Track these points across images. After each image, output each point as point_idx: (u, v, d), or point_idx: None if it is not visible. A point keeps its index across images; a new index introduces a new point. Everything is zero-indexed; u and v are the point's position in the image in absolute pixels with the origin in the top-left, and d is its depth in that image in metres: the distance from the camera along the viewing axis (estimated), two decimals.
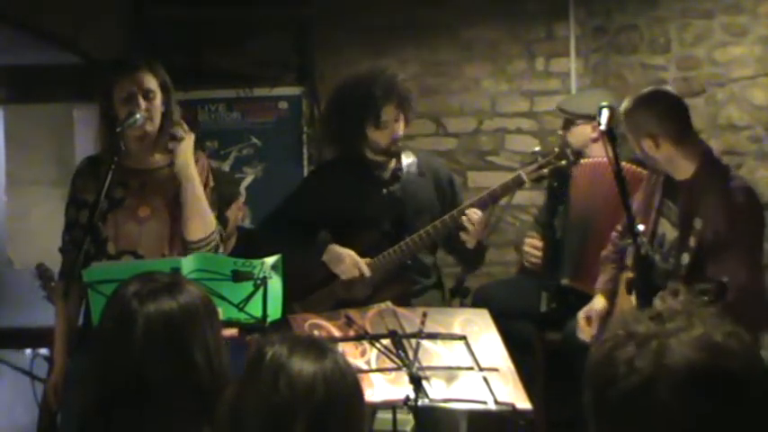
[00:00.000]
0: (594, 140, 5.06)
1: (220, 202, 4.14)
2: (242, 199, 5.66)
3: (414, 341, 3.69)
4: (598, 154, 4.70)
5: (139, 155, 4.01)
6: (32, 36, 5.87)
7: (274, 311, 3.70)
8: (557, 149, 4.60)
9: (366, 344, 3.78)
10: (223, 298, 3.54)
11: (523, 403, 3.73)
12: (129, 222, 3.96)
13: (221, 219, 4.21)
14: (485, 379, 3.69)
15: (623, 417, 1.59)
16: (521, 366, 3.83)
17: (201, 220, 3.94)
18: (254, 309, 3.64)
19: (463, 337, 3.72)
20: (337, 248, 4.67)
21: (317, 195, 4.78)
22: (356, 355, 3.75)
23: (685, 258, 3.90)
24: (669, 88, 4.76)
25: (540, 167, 4.52)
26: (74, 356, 3.93)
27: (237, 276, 3.62)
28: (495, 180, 4.72)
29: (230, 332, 3.79)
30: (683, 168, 4.23)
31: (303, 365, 2.03)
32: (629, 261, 4.27)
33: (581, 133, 5.22)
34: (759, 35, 5.87)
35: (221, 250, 4.10)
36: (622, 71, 6.17)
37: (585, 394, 1.65)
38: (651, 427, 1.57)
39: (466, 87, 6.45)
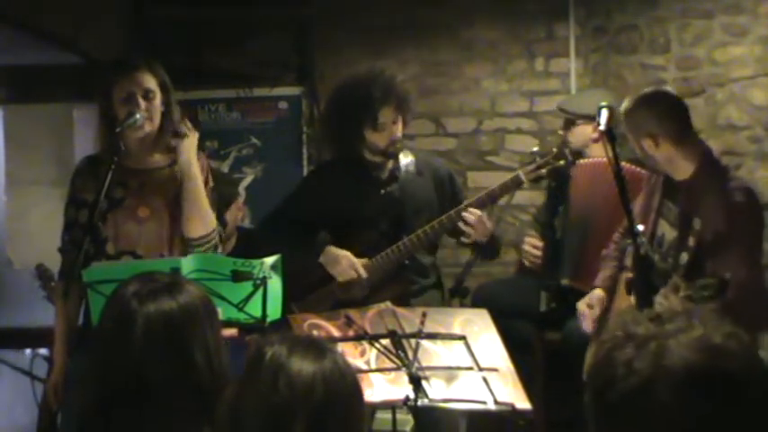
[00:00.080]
0: (595, 140, 5.07)
1: (219, 202, 4.13)
2: (241, 199, 5.66)
3: (413, 341, 3.69)
4: (598, 154, 4.70)
5: (139, 155, 4.01)
6: (32, 36, 5.86)
7: (274, 311, 3.71)
8: (555, 149, 4.60)
9: (365, 344, 3.78)
10: (223, 298, 3.54)
11: (523, 403, 3.73)
12: (128, 222, 3.96)
13: (220, 219, 4.21)
14: (484, 379, 3.69)
15: (622, 418, 1.59)
16: (520, 366, 3.83)
17: (202, 218, 3.95)
18: (254, 309, 3.64)
19: (463, 337, 3.72)
20: (334, 250, 4.67)
21: (316, 196, 4.78)
22: (356, 355, 3.75)
23: (684, 258, 3.90)
24: (669, 88, 4.76)
25: (539, 167, 4.52)
26: (73, 356, 3.93)
27: (237, 276, 3.62)
28: (494, 180, 4.72)
29: (230, 332, 3.79)
30: (683, 168, 4.23)
31: (302, 365, 2.03)
32: (628, 261, 4.27)
33: (581, 133, 5.23)
34: (759, 35, 5.87)
35: (220, 250, 4.10)
36: (622, 71, 6.17)
37: (585, 395, 1.65)
38: (650, 428, 1.57)
39: (466, 87, 6.46)
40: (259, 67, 6.51)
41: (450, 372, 3.74)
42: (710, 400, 1.55)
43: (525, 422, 4.49)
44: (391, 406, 3.95)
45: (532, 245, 5.13)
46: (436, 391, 3.70)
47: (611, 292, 4.50)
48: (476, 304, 5.01)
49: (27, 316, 5.65)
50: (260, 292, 3.63)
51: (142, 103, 3.90)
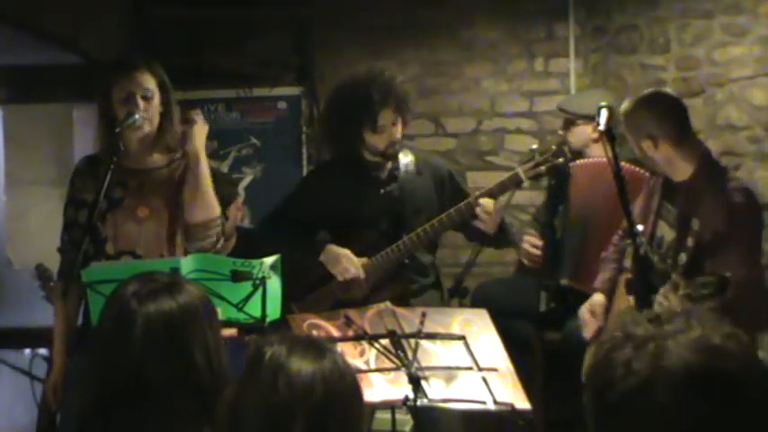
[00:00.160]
0: (595, 141, 5.07)
1: (219, 202, 4.13)
2: (240, 199, 5.66)
3: (413, 341, 3.69)
4: (599, 154, 4.70)
5: (138, 155, 4.02)
6: (32, 36, 5.87)
7: (273, 311, 3.71)
8: (554, 147, 4.59)
9: (365, 344, 3.78)
10: (222, 298, 3.54)
11: (522, 403, 3.73)
12: (128, 222, 3.97)
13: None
14: (484, 379, 3.69)
15: (621, 418, 1.59)
16: (520, 366, 3.82)
17: (207, 203, 3.95)
18: (253, 309, 3.64)
19: (462, 337, 3.72)
20: (334, 248, 4.67)
21: (316, 196, 4.78)
22: (355, 355, 3.75)
23: (683, 258, 3.90)
24: (669, 90, 4.76)
25: (538, 165, 4.51)
26: (73, 356, 3.93)
27: (236, 276, 3.62)
28: (494, 180, 4.71)
29: (229, 332, 3.80)
30: (682, 170, 4.23)
31: (302, 365, 2.03)
32: (627, 262, 4.27)
33: (581, 133, 5.23)
34: (758, 35, 5.87)
35: (222, 243, 4.10)
36: (622, 71, 6.17)
37: (584, 396, 1.65)
38: (649, 429, 1.57)
39: (465, 87, 6.46)
40: (259, 67, 6.51)
41: (449, 372, 3.73)
42: (709, 400, 1.55)
43: (525, 422, 4.48)
44: (391, 406, 3.95)
45: (532, 244, 5.13)
46: (435, 391, 3.70)
47: (610, 294, 4.50)
48: (475, 304, 5.01)
49: (26, 316, 5.65)
50: (259, 292, 3.63)
51: (141, 104, 3.91)
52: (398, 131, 4.65)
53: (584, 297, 4.66)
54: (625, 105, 4.30)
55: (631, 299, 4.05)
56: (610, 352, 1.62)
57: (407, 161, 4.77)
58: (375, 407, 4.07)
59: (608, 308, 4.48)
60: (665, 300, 3.80)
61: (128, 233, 3.96)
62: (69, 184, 4.09)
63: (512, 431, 4.56)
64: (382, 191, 4.73)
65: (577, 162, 5.03)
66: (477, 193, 4.56)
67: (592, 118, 4.38)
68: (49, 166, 6.70)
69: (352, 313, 3.82)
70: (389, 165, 4.75)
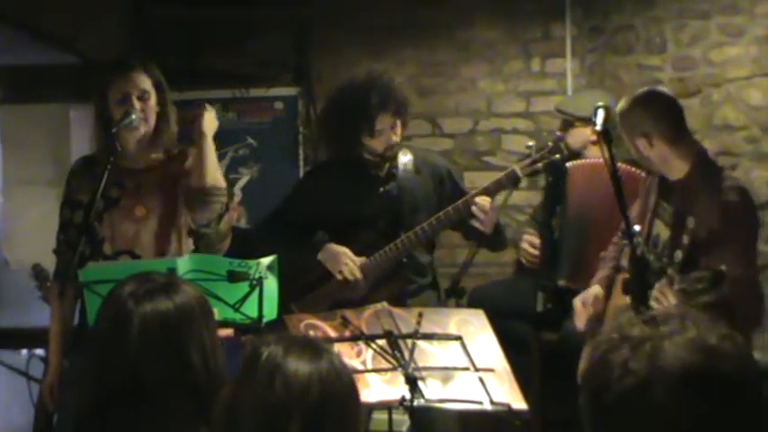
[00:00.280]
0: (594, 143, 5.06)
1: None
2: (237, 200, 5.66)
3: (409, 341, 3.69)
4: (597, 155, 4.69)
5: (135, 155, 4.02)
6: (32, 36, 5.87)
7: (270, 312, 3.71)
8: (550, 143, 4.59)
9: (362, 344, 3.77)
10: (219, 298, 3.55)
11: (519, 403, 3.73)
12: (125, 222, 3.97)
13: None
14: (480, 379, 3.69)
15: (618, 419, 1.59)
16: (517, 367, 3.82)
17: (211, 170, 3.98)
18: (250, 309, 3.64)
19: (459, 338, 3.71)
20: (333, 247, 4.67)
21: (314, 196, 4.78)
22: (352, 356, 3.75)
23: (678, 255, 3.90)
24: (664, 89, 4.76)
25: (534, 162, 4.51)
26: (70, 357, 3.93)
27: (233, 277, 3.62)
28: (491, 180, 4.71)
29: (226, 332, 3.79)
30: (677, 168, 4.23)
31: (299, 366, 2.03)
32: (624, 262, 4.27)
33: (579, 135, 5.22)
34: (755, 35, 5.88)
35: (227, 216, 4.10)
36: (618, 71, 6.17)
37: (580, 397, 1.65)
38: (647, 429, 1.57)
39: (462, 88, 6.46)
40: (258, 67, 6.51)
41: (446, 372, 3.73)
42: (707, 400, 1.55)
43: (521, 422, 4.48)
44: (387, 406, 3.95)
45: (530, 242, 5.14)
46: (432, 391, 3.70)
47: (607, 291, 4.50)
48: (472, 304, 5.01)
49: (23, 316, 5.64)
50: (256, 292, 3.63)
51: (137, 104, 3.91)
52: (397, 135, 4.65)
53: None
54: (621, 104, 4.30)
55: (628, 298, 4.05)
56: (606, 353, 1.62)
57: (406, 160, 4.77)
58: (372, 407, 4.06)
59: (604, 305, 4.47)
60: (661, 295, 3.80)
61: (125, 233, 3.97)
62: (65, 184, 4.10)
63: None
64: (381, 190, 4.73)
65: (575, 162, 5.03)
66: (475, 191, 4.56)
67: (590, 120, 4.38)
68: (46, 166, 6.69)
69: (348, 313, 3.82)
70: (388, 163, 4.74)
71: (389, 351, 3.68)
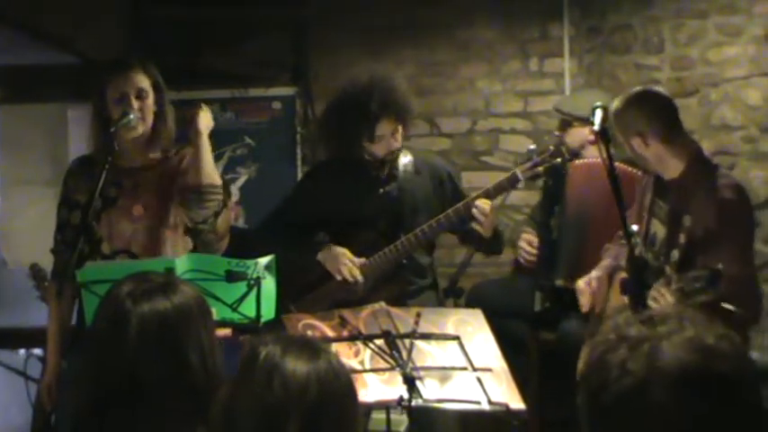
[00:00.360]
0: (592, 142, 5.05)
1: None
2: (234, 199, 5.65)
3: (407, 341, 3.69)
4: (596, 155, 4.69)
5: (132, 154, 4.02)
6: (31, 36, 5.87)
7: (268, 312, 3.71)
8: (552, 147, 4.60)
9: (360, 344, 3.77)
10: (217, 298, 3.54)
11: (517, 403, 3.73)
12: (122, 222, 3.97)
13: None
14: (478, 379, 3.69)
15: (616, 419, 1.59)
16: (514, 366, 3.83)
17: (207, 168, 3.97)
18: (248, 309, 3.64)
19: (457, 338, 3.72)
20: (333, 248, 4.67)
21: (314, 196, 4.78)
22: (350, 356, 3.75)
23: (675, 254, 3.90)
24: (658, 88, 4.76)
25: (536, 165, 4.51)
26: (68, 357, 3.93)
27: (231, 277, 3.62)
28: (489, 180, 4.71)
29: (224, 332, 3.79)
30: (673, 167, 4.24)
31: (297, 365, 2.03)
32: (622, 261, 4.27)
33: (578, 135, 5.22)
34: (753, 35, 5.88)
35: (223, 213, 4.10)
36: (616, 71, 6.17)
37: (579, 398, 1.65)
38: (645, 429, 1.57)
39: (460, 87, 6.46)
40: (256, 67, 6.51)
41: (444, 372, 3.73)
42: (705, 399, 1.55)
43: (519, 422, 4.49)
44: (385, 406, 3.95)
45: (528, 242, 5.14)
46: (430, 391, 3.70)
47: (608, 279, 4.50)
48: (470, 304, 5.01)
49: (21, 316, 5.64)
50: (254, 292, 3.63)
51: (135, 103, 3.92)
52: (398, 141, 4.65)
53: None
54: (615, 103, 4.30)
55: (626, 298, 4.05)
56: (604, 353, 1.62)
57: (406, 161, 4.77)
58: (371, 407, 4.07)
59: (606, 294, 4.47)
60: (659, 295, 3.80)
61: (123, 232, 3.97)
62: (62, 184, 4.10)
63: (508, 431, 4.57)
64: (381, 191, 4.73)
65: (573, 162, 5.02)
66: (475, 194, 4.56)
67: (588, 120, 4.39)
68: (44, 165, 6.69)
69: (346, 313, 3.82)
70: (388, 165, 4.73)
71: (387, 351, 3.68)
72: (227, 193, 5.34)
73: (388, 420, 4.06)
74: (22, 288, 5.22)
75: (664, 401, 1.55)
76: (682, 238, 3.92)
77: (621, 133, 4.29)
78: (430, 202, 4.73)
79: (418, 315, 3.74)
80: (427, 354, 3.75)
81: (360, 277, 4.63)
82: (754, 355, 4.88)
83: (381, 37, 6.45)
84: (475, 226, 4.52)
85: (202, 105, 4.05)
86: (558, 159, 4.52)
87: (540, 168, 4.52)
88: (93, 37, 6.14)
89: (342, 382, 2.07)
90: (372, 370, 3.76)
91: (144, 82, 3.96)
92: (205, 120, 4.01)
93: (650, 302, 3.73)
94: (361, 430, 2.14)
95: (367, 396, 3.69)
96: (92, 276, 3.56)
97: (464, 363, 3.70)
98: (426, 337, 3.73)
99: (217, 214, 4.04)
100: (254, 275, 3.63)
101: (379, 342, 3.69)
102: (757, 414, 1.58)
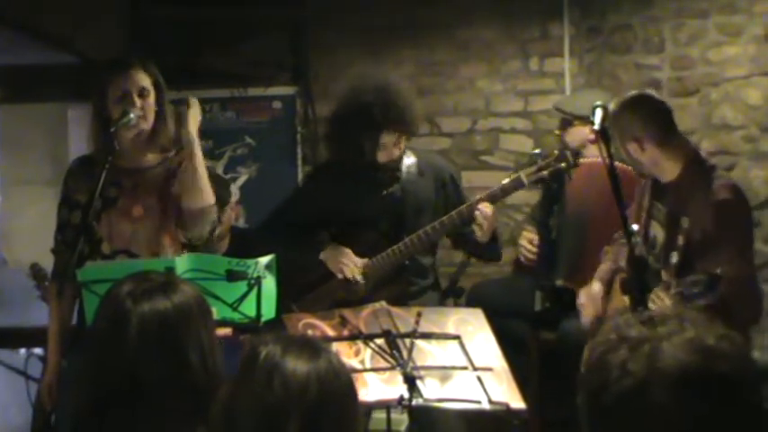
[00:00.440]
0: (592, 141, 5.06)
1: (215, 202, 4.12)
2: (235, 199, 5.65)
3: (408, 341, 3.69)
4: (595, 154, 4.70)
5: (132, 154, 4.01)
6: (31, 36, 5.87)
7: (268, 311, 3.70)
8: (556, 152, 4.60)
9: (360, 343, 3.77)
10: (217, 297, 3.54)
11: (517, 403, 3.73)
12: (122, 222, 3.97)
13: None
14: (479, 378, 3.69)
15: (617, 420, 1.59)
16: (515, 366, 3.83)
17: (203, 190, 3.95)
18: (248, 308, 3.64)
19: (457, 337, 3.72)
20: (335, 247, 4.67)
21: (317, 196, 4.77)
22: (350, 355, 3.75)
23: (674, 257, 3.91)
24: (652, 92, 4.76)
25: (540, 170, 4.52)
26: (68, 356, 3.93)
27: (231, 276, 3.62)
28: (489, 180, 4.72)
29: (224, 332, 3.79)
30: (669, 170, 4.25)
31: (297, 365, 2.03)
32: (622, 261, 4.28)
33: (578, 134, 5.22)
34: (753, 35, 5.88)
35: (218, 230, 4.09)
36: (617, 71, 6.17)
37: (579, 398, 1.65)
38: (646, 430, 1.57)
39: (460, 87, 6.45)
40: (255, 67, 6.51)
41: (444, 371, 3.73)
42: (706, 400, 1.55)
43: (520, 422, 4.49)
44: (386, 406, 3.95)
45: (529, 240, 5.14)
46: (431, 390, 3.70)
47: (609, 285, 4.50)
48: (470, 303, 5.02)
49: (21, 315, 5.64)
50: (254, 291, 3.63)
51: (137, 102, 3.91)
52: (400, 149, 4.65)
53: None
54: (611, 108, 4.30)
55: (627, 299, 4.05)
56: (604, 354, 1.62)
57: (410, 162, 4.76)
58: (371, 407, 4.07)
59: (605, 301, 4.47)
60: (658, 299, 3.81)
61: (122, 233, 3.96)
62: (63, 184, 4.10)
63: (508, 431, 4.57)
64: (384, 192, 4.72)
65: (577, 164, 5.02)
66: (479, 196, 4.56)
67: (588, 119, 4.39)
68: (44, 165, 6.69)
69: (347, 313, 3.82)
70: (392, 166, 4.72)
71: (388, 350, 3.68)
72: (228, 193, 5.36)
73: (389, 420, 4.06)
74: (22, 288, 5.23)
75: (664, 402, 1.55)
76: (680, 241, 3.92)
77: (617, 139, 4.29)
78: (433, 203, 4.73)
79: (419, 314, 3.74)
80: (428, 353, 3.75)
81: (360, 278, 4.63)
82: (755, 354, 4.87)
83: (381, 37, 6.45)
84: (475, 229, 4.52)
85: (190, 101, 4.01)
86: (563, 164, 4.52)
87: (545, 173, 4.52)
88: (92, 37, 6.14)
89: (342, 382, 2.07)
90: (373, 369, 3.76)
91: (145, 81, 3.96)
92: (194, 117, 3.99)
93: (650, 306, 3.74)
94: (361, 430, 2.13)
95: (367, 395, 3.69)
96: (92, 276, 3.56)
97: (464, 362, 3.70)
98: (427, 336, 3.73)
99: (212, 231, 4.03)
100: (255, 275, 3.63)
101: (380, 341, 3.69)
102: (758, 414, 1.57)
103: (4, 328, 5.73)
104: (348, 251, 4.65)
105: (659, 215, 4.31)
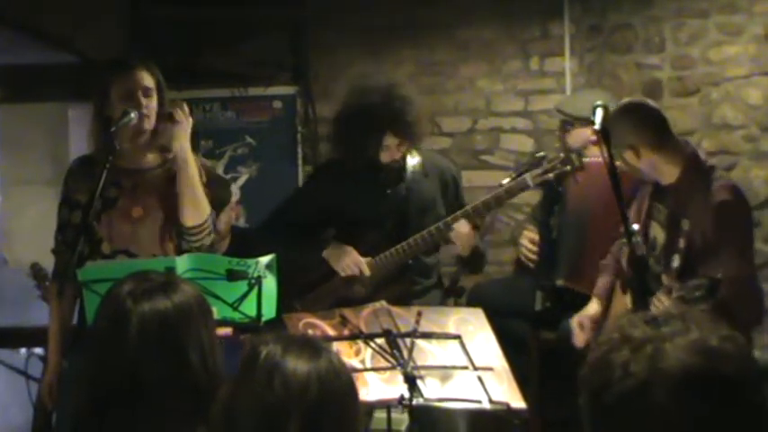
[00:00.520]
0: (594, 143, 5.05)
1: (215, 203, 4.12)
2: (235, 199, 5.65)
3: (408, 340, 3.69)
4: (597, 155, 4.69)
5: (132, 155, 4.01)
6: (31, 36, 5.87)
7: (268, 311, 3.70)
8: (562, 154, 4.60)
9: (361, 343, 3.78)
10: (217, 297, 3.54)
11: (518, 402, 3.73)
12: (122, 223, 3.96)
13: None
14: (479, 378, 3.69)
15: (618, 420, 1.59)
16: (515, 365, 3.83)
17: (197, 205, 3.95)
18: (249, 308, 3.64)
19: (458, 337, 3.72)
20: (338, 245, 4.67)
21: (319, 196, 4.77)
22: (351, 355, 3.75)
23: (676, 260, 3.91)
24: (644, 99, 4.75)
25: (546, 172, 4.52)
26: (69, 356, 3.93)
27: (232, 276, 3.62)
28: (489, 179, 4.71)
29: (224, 331, 3.79)
30: (668, 173, 4.25)
31: (297, 365, 2.03)
32: (623, 261, 4.27)
33: (580, 135, 5.21)
34: (754, 34, 5.88)
35: (213, 238, 4.09)
36: (617, 70, 6.17)
37: (581, 397, 1.65)
38: (647, 430, 1.57)
39: (461, 87, 6.45)
40: (255, 66, 6.51)
41: (445, 371, 3.74)
42: (708, 401, 1.55)
43: (520, 421, 4.49)
44: (386, 405, 3.95)
45: (530, 239, 5.13)
46: (431, 390, 3.70)
47: (607, 300, 4.50)
48: (471, 303, 5.01)
49: (22, 315, 5.64)
50: (255, 291, 3.63)
51: (143, 101, 3.92)
52: (402, 151, 4.65)
53: (580, 296, 4.67)
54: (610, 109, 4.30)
55: (628, 302, 4.05)
56: (607, 354, 1.62)
57: (415, 162, 4.76)
58: (373, 406, 4.07)
59: (603, 314, 4.48)
60: (660, 303, 3.81)
61: (122, 233, 3.96)
62: (63, 184, 4.09)
63: (508, 431, 4.57)
64: (388, 190, 4.72)
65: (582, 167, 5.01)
66: (471, 205, 4.58)
67: (589, 121, 4.39)
68: (45, 165, 6.69)
69: (347, 312, 3.82)
70: (396, 165, 4.72)
71: (388, 350, 3.68)
72: (229, 194, 5.35)
73: (389, 419, 4.06)
74: (22, 287, 5.23)
75: (665, 403, 1.55)
76: (681, 243, 3.92)
77: (614, 149, 4.29)
78: (436, 203, 4.73)
79: (419, 314, 3.75)
80: (428, 353, 3.75)
81: (367, 272, 4.63)
82: (756, 354, 4.87)
83: (381, 37, 6.45)
84: (455, 242, 4.55)
85: (178, 110, 3.96)
86: (568, 167, 4.53)
87: (550, 175, 4.53)
88: (93, 37, 6.14)
89: (343, 382, 2.07)
90: (373, 369, 3.76)
91: (149, 81, 3.96)
92: (184, 132, 3.96)
93: (652, 309, 3.74)
94: (361, 430, 2.13)
95: (368, 395, 3.70)
96: (93, 275, 3.55)
97: (465, 362, 3.71)
98: (427, 336, 3.74)
99: (209, 244, 4.03)
100: (255, 274, 3.63)
101: (380, 341, 3.70)
102: (760, 415, 1.57)
103: (5, 328, 5.73)
104: (351, 249, 4.65)
105: (660, 216, 4.30)
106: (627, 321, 1.66)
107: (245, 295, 3.64)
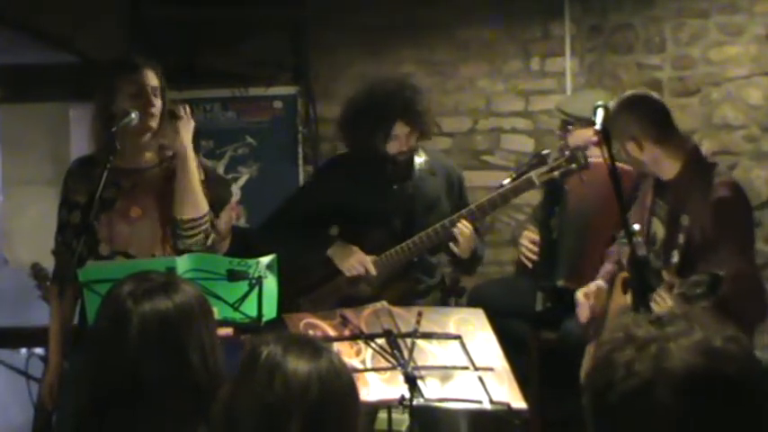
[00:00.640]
0: (595, 143, 5.04)
1: (215, 203, 4.12)
2: (235, 199, 5.65)
3: (409, 340, 3.69)
4: (597, 155, 4.69)
5: (131, 155, 4.01)
6: (31, 36, 5.87)
7: (269, 311, 3.70)
8: (568, 153, 4.60)
9: (361, 343, 3.77)
10: (218, 297, 3.54)
11: (518, 403, 3.73)
12: (120, 223, 3.96)
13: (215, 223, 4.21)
14: (480, 378, 3.69)
15: (621, 419, 1.59)
16: (516, 366, 3.83)
17: (194, 201, 3.95)
18: (250, 308, 3.64)
19: (458, 337, 3.72)
20: (343, 244, 4.67)
21: (324, 193, 4.77)
22: (351, 355, 3.75)
23: (675, 256, 3.90)
24: (647, 91, 4.75)
25: (552, 170, 4.52)
26: (70, 356, 3.93)
27: (233, 276, 3.62)
28: (489, 179, 4.71)
29: (225, 331, 3.79)
30: (669, 168, 4.24)
31: (298, 365, 2.03)
32: (623, 260, 4.27)
33: (581, 136, 5.20)
34: (754, 34, 5.88)
35: (211, 239, 4.09)
36: (618, 70, 6.17)
37: (584, 397, 1.65)
38: (650, 430, 1.57)
39: (461, 87, 6.45)
40: (255, 66, 6.51)
41: (445, 371, 3.73)
42: (711, 402, 1.55)
43: (521, 422, 4.49)
44: (387, 405, 3.95)
45: (531, 240, 5.13)
46: (432, 390, 3.70)
47: (610, 285, 4.50)
48: (471, 303, 5.01)
49: (22, 315, 5.64)
50: (255, 291, 3.63)
51: (153, 100, 3.93)
52: (409, 144, 4.64)
53: None
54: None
55: (628, 297, 4.05)
56: (611, 353, 1.62)
57: (421, 160, 4.77)
58: (377, 407, 4.07)
59: (606, 301, 4.47)
60: (661, 299, 3.81)
61: (121, 234, 3.96)
62: (62, 185, 4.09)
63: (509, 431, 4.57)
64: (395, 187, 4.72)
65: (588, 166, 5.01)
66: (477, 203, 4.58)
67: (590, 121, 4.39)
68: (45, 165, 6.69)
69: (348, 312, 3.82)
70: (403, 162, 4.72)
71: (389, 350, 3.68)
72: (229, 193, 5.35)
73: (390, 420, 4.06)
74: (23, 287, 5.23)
75: (669, 403, 1.55)
76: (681, 239, 3.92)
77: (616, 140, 4.29)
78: (442, 202, 4.74)
79: (420, 314, 3.74)
80: (429, 353, 3.75)
81: (373, 271, 4.63)
82: (757, 353, 4.87)
83: (381, 37, 6.45)
84: (453, 246, 4.55)
85: (181, 111, 4.00)
86: (574, 165, 4.52)
87: (556, 173, 4.53)
88: (93, 37, 6.15)
89: (343, 382, 2.07)
90: (374, 369, 3.76)
91: (155, 81, 3.98)
92: (186, 128, 3.98)
93: (652, 305, 3.74)
94: (361, 430, 2.13)
95: (368, 395, 3.70)
96: (93, 276, 3.56)
97: (466, 362, 3.70)
98: (428, 336, 3.73)
99: (205, 240, 4.02)
100: (256, 275, 3.63)
101: (381, 341, 3.69)
102: (763, 415, 1.57)
103: (5, 328, 5.73)
104: (357, 249, 4.65)
105: (661, 212, 4.30)
106: (631, 321, 1.66)
107: (245, 295, 3.64)
